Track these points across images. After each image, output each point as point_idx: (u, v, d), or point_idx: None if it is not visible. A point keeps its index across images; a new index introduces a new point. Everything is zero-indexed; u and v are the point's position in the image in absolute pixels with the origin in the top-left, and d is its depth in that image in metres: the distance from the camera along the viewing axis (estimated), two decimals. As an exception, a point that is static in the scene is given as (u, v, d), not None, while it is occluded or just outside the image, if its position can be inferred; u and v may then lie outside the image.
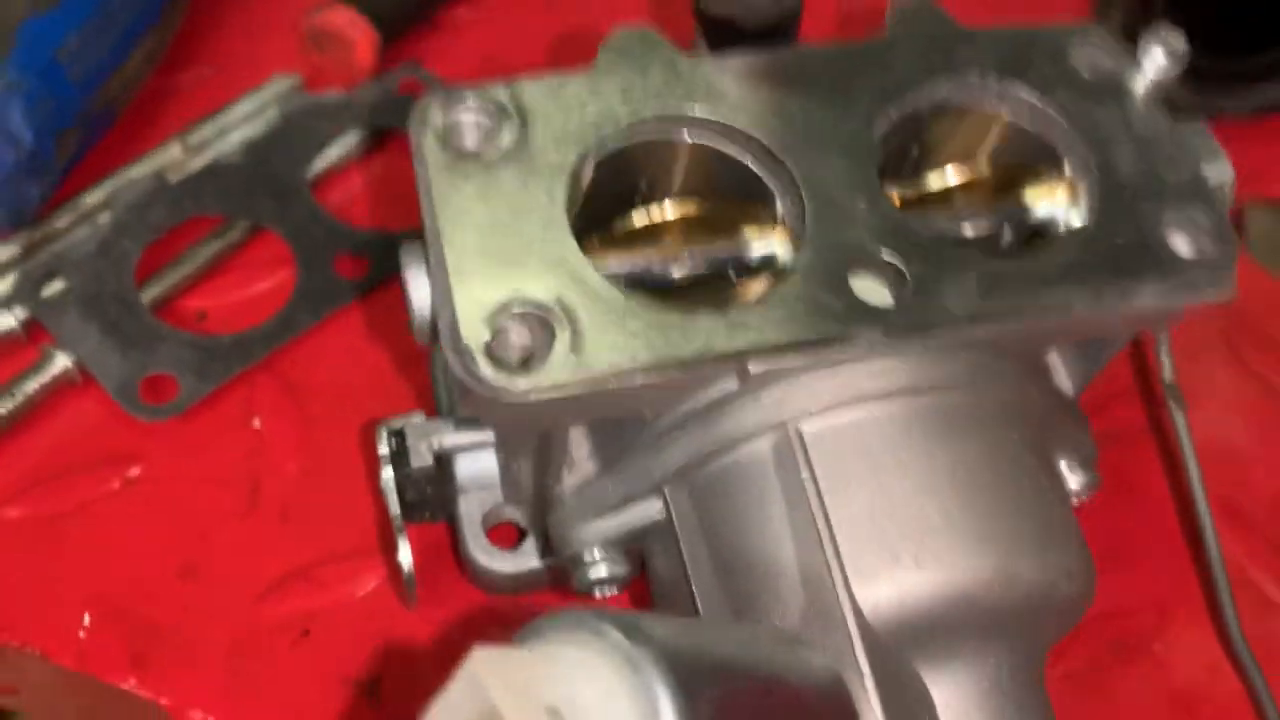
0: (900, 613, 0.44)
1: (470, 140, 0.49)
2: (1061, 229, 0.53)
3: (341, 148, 0.78)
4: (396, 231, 0.76)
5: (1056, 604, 0.47)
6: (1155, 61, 0.54)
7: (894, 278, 0.48)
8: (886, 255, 0.47)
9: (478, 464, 0.59)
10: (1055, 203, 0.53)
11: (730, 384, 0.47)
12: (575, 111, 0.50)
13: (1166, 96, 0.54)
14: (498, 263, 0.46)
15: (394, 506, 0.57)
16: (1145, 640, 0.63)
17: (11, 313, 0.69)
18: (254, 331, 0.70)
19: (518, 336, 0.45)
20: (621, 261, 0.51)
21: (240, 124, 0.79)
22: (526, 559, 0.59)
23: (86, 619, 0.61)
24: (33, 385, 0.66)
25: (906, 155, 0.55)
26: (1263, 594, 0.65)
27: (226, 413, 0.68)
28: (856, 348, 0.46)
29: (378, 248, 0.74)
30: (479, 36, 0.86)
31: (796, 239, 0.49)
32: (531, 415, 0.45)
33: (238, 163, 0.76)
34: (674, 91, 0.51)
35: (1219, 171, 0.52)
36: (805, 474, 0.45)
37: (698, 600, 0.48)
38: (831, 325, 0.46)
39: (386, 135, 0.80)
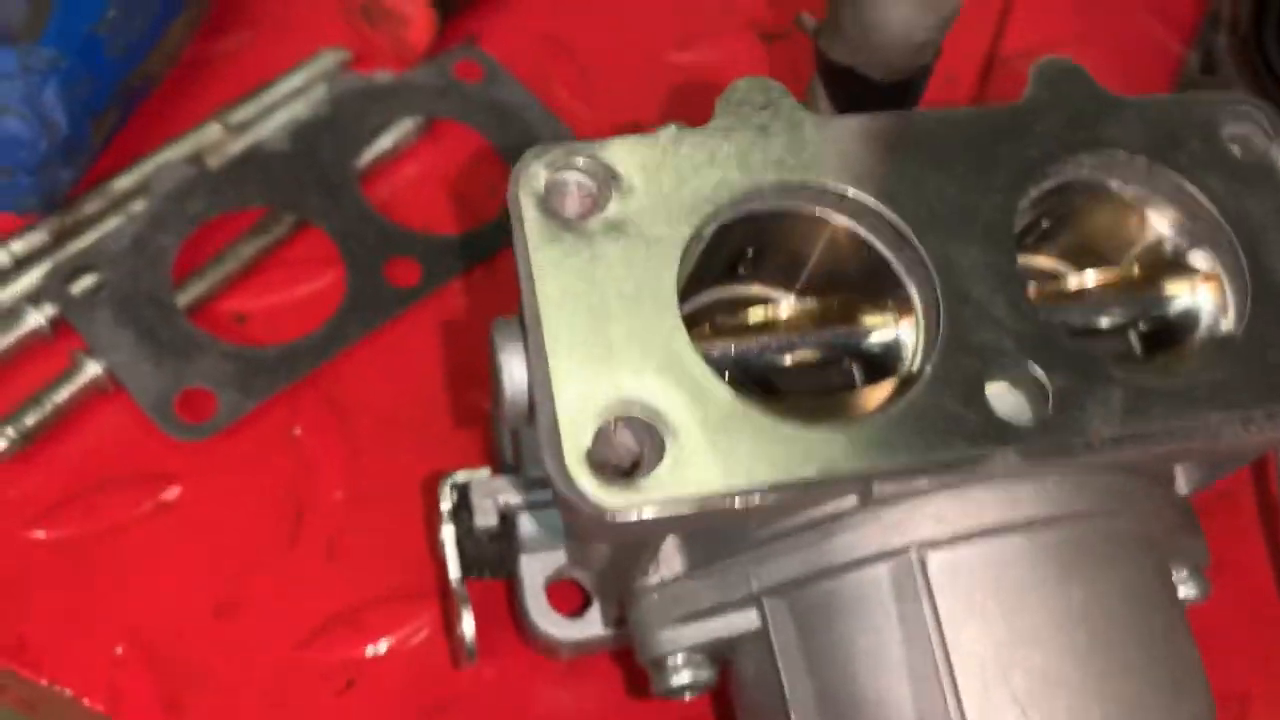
0: (1022, 766, 0.41)
1: (574, 206, 0.44)
2: (1203, 330, 0.48)
3: (392, 137, 0.73)
4: (450, 234, 0.71)
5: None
6: (1314, 145, 0.49)
7: (1034, 390, 0.43)
8: (1030, 363, 0.43)
9: (542, 522, 0.55)
10: (1198, 299, 0.49)
11: (848, 500, 0.43)
12: (689, 177, 0.45)
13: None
14: (603, 356, 0.41)
15: (455, 569, 0.54)
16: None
17: (40, 310, 0.64)
18: (300, 343, 0.66)
19: (624, 446, 0.40)
20: (727, 342, 0.47)
21: (285, 102, 0.73)
22: (590, 626, 0.55)
23: (118, 655, 0.58)
24: (62, 395, 0.62)
25: (1036, 226, 0.51)
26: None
27: (267, 432, 0.64)
28: (990, 471, 0.42)
29: (431, 252, 0.70)
30: (540, 13, 0.80)
31: (926, 332, 0.45)
32: (632, 530, 0.41)
33: (283, 149, 0.70)
34: (797, 157, 0.46)
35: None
36: (927, 608, 0.42)
37: None
38: (964, 445, 0.42)
39: (438, 123, 0.74)
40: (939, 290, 0.44)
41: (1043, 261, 0.53)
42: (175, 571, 0.60)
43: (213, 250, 0.68)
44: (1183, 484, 0.52)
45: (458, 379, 0.66)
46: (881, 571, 0.43)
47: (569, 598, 0.57)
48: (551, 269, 0.43)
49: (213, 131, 0.71)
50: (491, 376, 0.44)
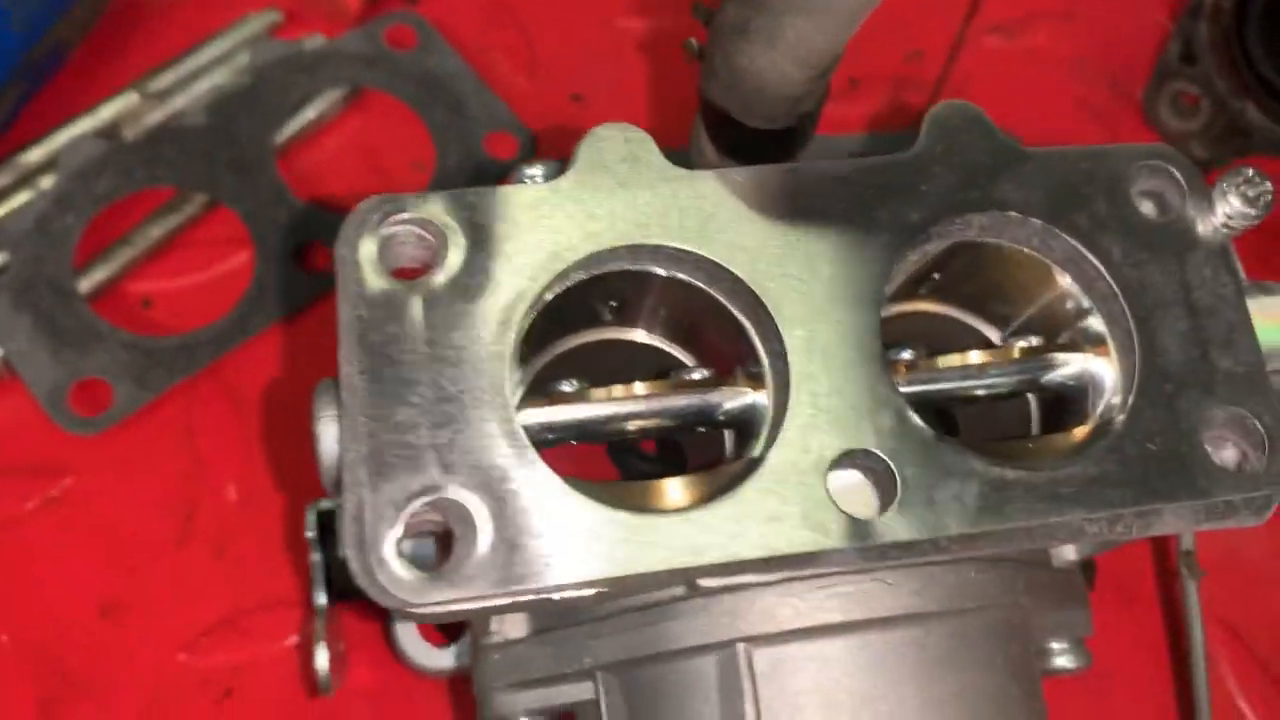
0: None
1: (409, 261, 0.42)
2: (1093, 408, 0.45)
3: (316, 108, 0.70)
4: (369, 217, 0.68)
5: None
6: (1231, 207, 0.45)
7: (883, 479, 0.41)
8: (880, 451, 0.41)
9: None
10: (1088, 370, 0.46)
11: (678, 587, 0.41)
12: (541, 232, 0.42)
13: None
14: (424, 429, 0.39)
15: (320, 596, 0.53)
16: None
17: (-64, 291, 0.63)
18: (201, 333, 0.64)
19: (434, 533, 0.39)
20: (566, 409, 0.44)
21: (208, 69, 0.71)
22: (449, 658, 0.54)
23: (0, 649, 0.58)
24: (-46, 383, 0.61)
25: (927, 277, 0.48)
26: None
27: (164, 425, 0.63)
28: (826, 566, 0.40)
29: (346, 236, 0.67)
30: (485, -27, 0.76)
31: (774, 410, 0.42)
32: (445, 615, 0.40)
33: (199, 123, 0.68)
34: (658, 211, 0.43)
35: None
36: (749, 706, 0.40)
37: None
38: (803, 535, 0.40)
39: (365, 92, 0.72)
40: (792, 367, 0.42)
41: (932, 307, 0.50)
42: (63, 567, 0.60)
43: (118, 230, 0.66)
44: (1069, 552, 0.49)
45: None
46: (708, 663, 0.41)
47: (443, 629, 0.56)
48: (376, 327, 0.40)
49: (130, 100, 0.69)
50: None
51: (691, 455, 0.52)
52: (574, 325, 0.48)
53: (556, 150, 0.71)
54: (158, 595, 0.59)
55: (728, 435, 0.47)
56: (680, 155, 0.46)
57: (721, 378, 0.44)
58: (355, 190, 0.69)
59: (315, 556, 0.53)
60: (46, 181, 0.66)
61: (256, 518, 0.61)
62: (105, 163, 0.66)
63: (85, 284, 0.64)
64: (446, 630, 0.55)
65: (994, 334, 0.50)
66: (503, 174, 0.69)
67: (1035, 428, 0.49)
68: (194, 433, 0.62)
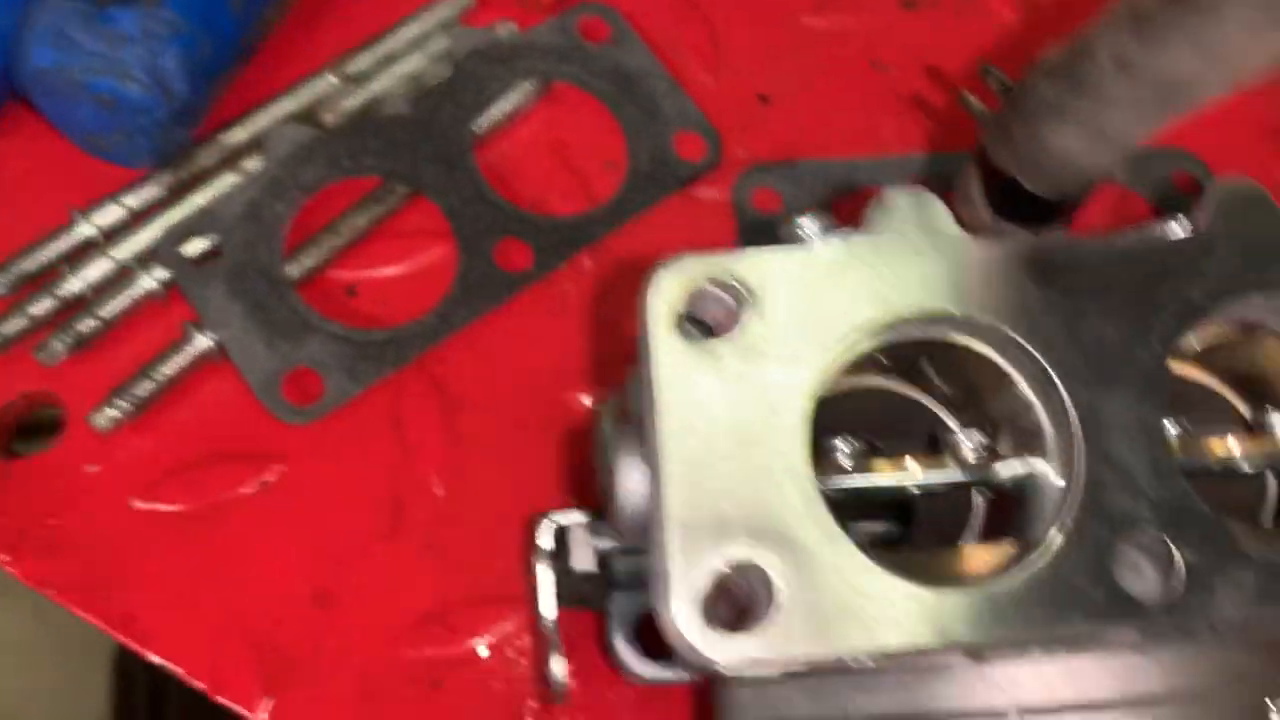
0: None
1: (710, 323, 0.43)
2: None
3: (511, 101, 0.70)
4: (562, 215, 0.69)
5: None
6: None
7: (1164, 562, 0.42)
8: (1163, 538, 0.42)
9: (636, 563, 0.56)
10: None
11: (956, 653, 0.42)
12: (835, 299, 0.43)
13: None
14: (724, 497, 0.41)
15: (550, 608, 0.54)
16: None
17: (151, 274, 0.64)
18: (407, 328, 0.65)
19: (739, 596, 0.40)
20: (853, 478, 0.45)
21: (403, 53, 0.71)
22: (676, 670, 0.56)
23: (221, 635, 0.60)
24: (172, 368, 0.62)
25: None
26: None
27: (371, 417, 0.64)
28: (1108, 640, 0.42)
29: (543, 234, 0.68)
30: (674, -38, 0.76)
31: (1059, 480, 0.43)
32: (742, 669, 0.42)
33: (401, 113, 0.68)
34: (952, 279, 0.44)
35: None
36: (1022, 771, 0.42)
37: None
38: (1085, 621, 0.41)
39: (557, 85, 0.72)
40: (1076, 441, 0.43)
41: (1195, 374, 0.50)
42: (276, 554, 0.61)
43: (323, 217, 0.67)
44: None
45: (564, 372, 0.66)
46: (979, 727, 0.43)
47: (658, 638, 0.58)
48: (682, 388, 0.42)
49: (328, 82, 0.69)
50: (598, 460, 0.44)
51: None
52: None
53: (744, 151, 0.72)
54: (369, 587, 0.61)
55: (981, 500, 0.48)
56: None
57: (1000, 445, 0.46)
58: (549, 186, 0.70)
59: (546, 568, 0.54)
60: (251, 164, 0.66)
61: (462, 513, 0.63)
62: (312, 150, 0.66)
63: (293, 271, 0.65)
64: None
65: (1247, 411, 0.50)
66: (691, 176, 0.70)
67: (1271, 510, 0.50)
68: (401, 426, 0.64)
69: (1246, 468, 0.47)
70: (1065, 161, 0.43)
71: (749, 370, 0.42)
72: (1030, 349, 0.43)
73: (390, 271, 0.67)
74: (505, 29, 0.72)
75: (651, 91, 0.72)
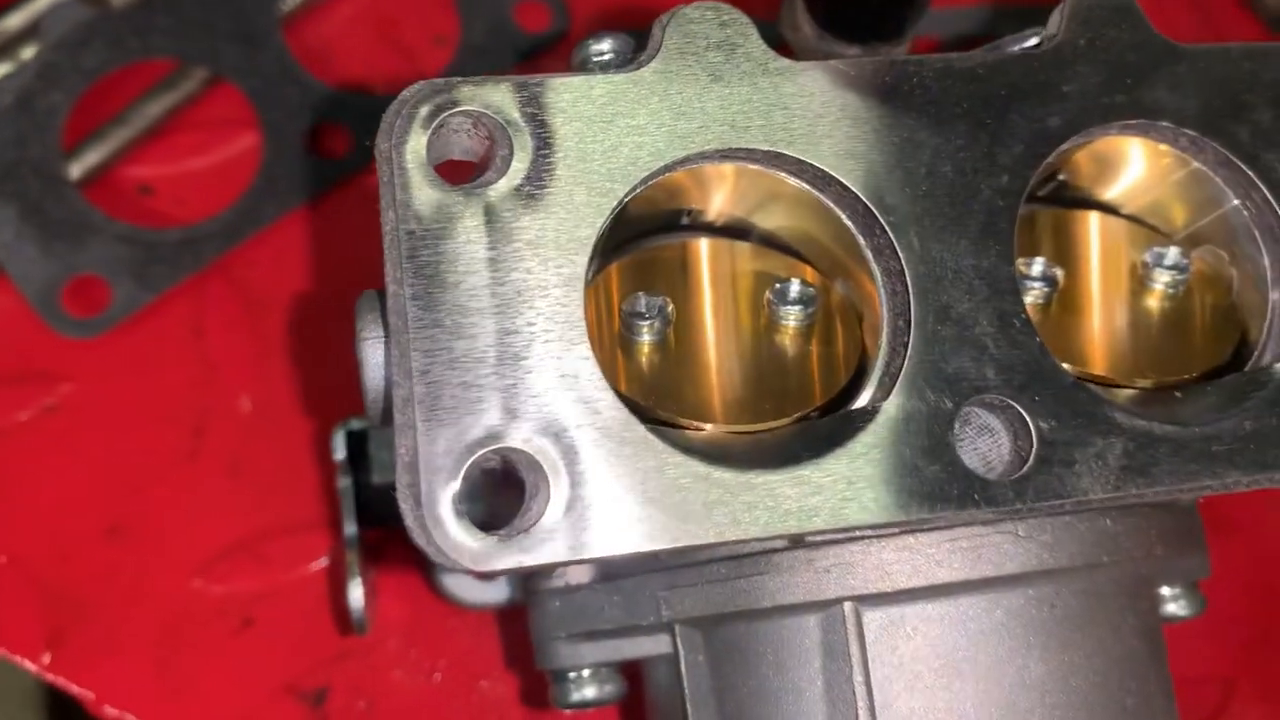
0: None
1: (461, 154, 0.36)
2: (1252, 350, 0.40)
3: (329, -30, 0.63)
4: (388, 95, 0.61)
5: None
6: None
7: (1017, 430, 0.36)
8: (1013, 401, 0.35)
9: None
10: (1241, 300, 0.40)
11: (778, 539, 0.36)
12: (620, 133, 0.36)
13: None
14: (486, 366, 0.34)
15: (350, 525, 0.48)
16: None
17: (-92, 176, 0.56)
18: (207, 224, 0.58)
19: (502, 487, 0.34)
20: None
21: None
22: (499, 590, 0.50)
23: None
24: (-67, 280, 0.55)
25: (1046, 180, 0.42)
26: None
27: (168, 328, 0.57)
28: (949, 522, 0.35)
29: (366, 117, 0.60)
30: None
31: (888, 352, 0.37)
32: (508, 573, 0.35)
33: (197, -13, 0.60)
34: (759, 110, 0.37)
35: None
36: (857, 671, 0.36)
37: None
38: (921, 504, 0.34)
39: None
40: (912, 293, 0.36)
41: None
42: (64, 483, 0.54)
43: (111, 109, 0.59)
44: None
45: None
46: (810, 622, 0.37)
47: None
48: (433, 245, 0.34)
49: (118, -44, 0.61)
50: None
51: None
52: (641, 229, 0.42)
53: (596, 25, 0.64)
54: (167, 515, 0.54)
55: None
56: (764, 29, 0.39)
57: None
58: (370, 66, 0.62)
59: (345, 482, 0.48)
60: (27, 52, 0.59)
61: (273, 431, 0.56)
62: (93, 31, 0.59)
63: (76, 169, 0.58)
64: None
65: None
66: (533, 49, 0.63)
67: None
68: (202, 336, 0.57)
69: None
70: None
71: (516, 222, 0.35)
72: (852, 188, 0.36)
73: (190, 166, 0.60)
74: (320, -109, 0.63)
75: (489, -44, 0.64)
